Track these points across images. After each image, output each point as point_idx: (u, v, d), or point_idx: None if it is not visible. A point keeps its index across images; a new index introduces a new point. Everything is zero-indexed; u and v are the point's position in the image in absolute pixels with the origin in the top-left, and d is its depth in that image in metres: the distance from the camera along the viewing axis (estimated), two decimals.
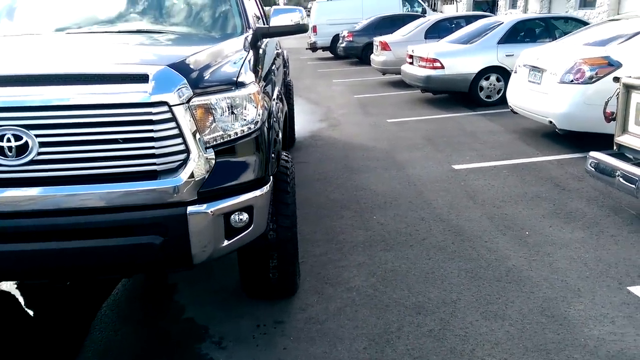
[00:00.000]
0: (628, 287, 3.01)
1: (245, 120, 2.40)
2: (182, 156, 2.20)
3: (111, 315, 3.04)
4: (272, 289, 2.93)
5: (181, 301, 3.12)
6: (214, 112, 2.29)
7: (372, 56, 12.31)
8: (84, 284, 3.33)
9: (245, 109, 2.40)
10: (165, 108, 2.14)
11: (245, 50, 2.87)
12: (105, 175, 2.14)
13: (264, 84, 2.83)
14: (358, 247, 3.72)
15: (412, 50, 9.41)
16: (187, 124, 2.18)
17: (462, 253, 3.55)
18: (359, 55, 16.18)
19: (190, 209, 2.20)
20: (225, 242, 2.34)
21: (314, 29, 18.66)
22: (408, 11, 19.27)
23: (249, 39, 3.16)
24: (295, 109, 7.18)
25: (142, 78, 2.14)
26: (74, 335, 2.86)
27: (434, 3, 36.40)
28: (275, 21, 3.54)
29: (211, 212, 2.24)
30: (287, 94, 6.10)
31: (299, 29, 3.66)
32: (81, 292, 3.29)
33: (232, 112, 2.36)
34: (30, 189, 2.12)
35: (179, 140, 2.18)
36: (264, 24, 4.93)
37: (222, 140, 2.32)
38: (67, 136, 2.09)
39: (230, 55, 2.71)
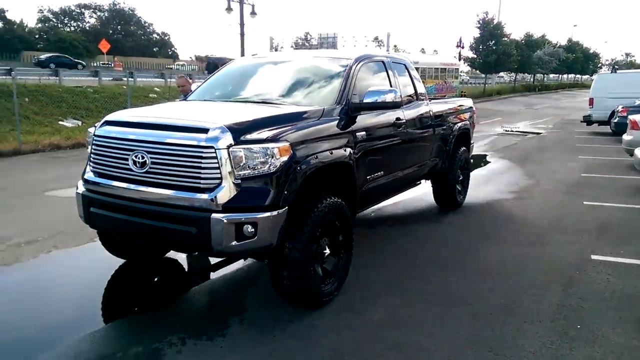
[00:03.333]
0: None
1: (266, 164, 3.51)
2: (218, 181, 3.46)
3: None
4: (285, 293, 3.88)
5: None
6: (245, 156, 3.48)
7: (623, 135, 11.19)
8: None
9: (268, 157, 3.51)
10: (212, 150, 3.45)
11: (305, 118, 4.00)
12: (175, 185, 3.57)
13: (310, 142, 3.85)
14: None
15: None
16: (223, 161, 3.44)
17: None
18: None
19: (213, 215, 3.43)
20: (234, 243, 3.47)
21: (590, 101, 17.44)
22: None
23: (329, 110, 4.25)
24: (501, 177, 7.53)
25: (205, 130, 3.51)
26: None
27: None
28: (370, 99, 4.50)
29: (226, 220, 3.42)
30: (450, 163, 6.70)
31: (390, 105, 4.56)
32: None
33: (258, 159, 3.51)
34: (144, 187, 3.70)
35: (218, 171, 3.46)
36: (417, 97, 5.88)
37: (247, 176, 3.49)
38: (162, 158, 3.59)
39: (285, 121, 3.87)
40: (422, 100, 6.07)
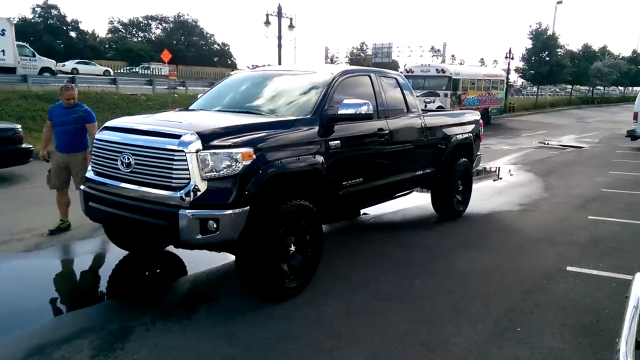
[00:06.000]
0: None
1: (230, 167, 3.96)
2: (187, 181, 3.94)
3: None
4: (249, 286, 4.32)
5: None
6: (211, 160, 3.95)
7: None
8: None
9: (231, 161, 3.96)
10: (183, 154, 3.93)
11: (276, 127, 4.43)
12: (152, 183, 4.08)
13: (275, 148, 4.26)
14: None
15: None
16: (192, 164, 3.92)
17: None
18: None
19: (180, 211, 3.91)
20: (199, 236, 3.93)
21: (635, 116, 16.86)
22: None
23: (302, 120, 4.65)
24: (516, 190, 7.63)
25: (178, 136, 4.00)
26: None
27: None
28: (343, 111, 4.87)
29: (191, 215, 3.90)
30: (447, 173, 6.94)
31: (364, 117, 4.91)
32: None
33: (223, 162, 3.96)
34: (128, 184, 4.23)
35: (187, 172, 3.94)
36: (407, 109, 6.18)
37: (213, 177, 3.95)
38: (143, 159, 4.12)
39: (256, 129, 4.31)
40: (414, 112, 6.35)
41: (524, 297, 4.57)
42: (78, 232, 6.24)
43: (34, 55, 27.11)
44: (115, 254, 5.40)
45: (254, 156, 4.08)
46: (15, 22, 28.72)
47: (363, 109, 4.90)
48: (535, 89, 46.88)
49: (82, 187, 4.75)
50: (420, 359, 3.51)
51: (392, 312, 4.21)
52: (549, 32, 40.16)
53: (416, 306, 4.32)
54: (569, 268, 5.33)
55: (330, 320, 4.04)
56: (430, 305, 4.33)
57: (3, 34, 23.56)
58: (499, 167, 12.74)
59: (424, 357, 3.53)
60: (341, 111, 4.88)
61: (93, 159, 4.63)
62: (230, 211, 3.95)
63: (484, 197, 8.85)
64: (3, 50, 23.61)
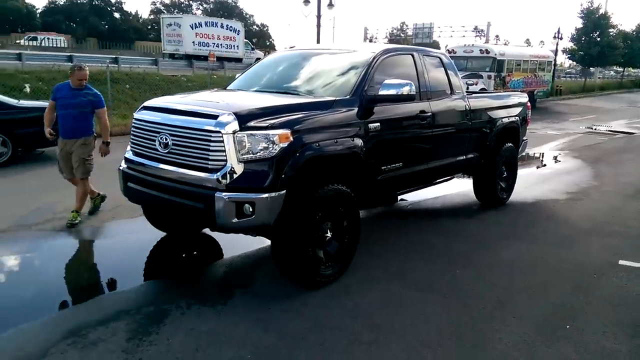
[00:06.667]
0: None
1: (267, 150, 3.84)
2: (223, 163, 3.85)
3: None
4: (284, 271, 4.23)
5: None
6: (248, 142, 3.83)
7: None
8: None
9: (268, 143, 3.84)
10: (219, 135, 3.84)
11: (314, 108, 4.27)
12: (189, 165, 4.01)
13: (310, 128, 4.12)
14: None
15: None
16: (229, 145, 3.82)
17: None
18: None
19: (217, 194, 3.82)
20: (235, 220, 3.85)
21: None
22: None
23: (341, 101, 4.48)
24: (563, 177, 7.37)
25: (215, 117, 3.91)
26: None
27: None
28: (384, 91, 4.66)
29: (227, 198, 3.81)
30: (491, 159, 6.65)
31: (405, 98, 4.70)
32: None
33: (259, 144, 3.84)
34: (166, 165, 4.18)
35: (224, 154, 3.84)
36: (451, 90, 5.92)
37: (249, 159, 3.85)
38: (180, 140, 4.05)
39: (293, 110, 4.17)
40: (458, 93, 6.07)
41: (573, 292, 4.32)
42: (118, 213, 6.29)
43: (253, 49, 39.47)
44: (154, 235, 5.40)
45: (291, 138, 3.94)
46: (62, 3, 30.42)
47: (405, 90, 4.68)
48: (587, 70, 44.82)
49: (120, 167, 4.73)
50: (463, 355, 3.34)
51: (432, 304, 4.04)
52: (601, 11, 38.29)
53: (458, 299, 4.14)
54: (621, 262, 5.02)
55: (367, 311, 3.91)
56: (473, 299, 4.14)
57: (238, 34, 36.24)
58: (542, 153, 12.22)
59: (467, 353, 3.36)
60: (382, 92, 4.67)
61: (132, 138, 4.59)
62: (266, 195, 3.84)
63: (528, 184, 8.48)
64: (237, 46, 36.12)
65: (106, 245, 5.56)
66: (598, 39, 37.99)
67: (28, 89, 14.92)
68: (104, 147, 6.04)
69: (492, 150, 6.66)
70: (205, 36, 33.24)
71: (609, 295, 4.28)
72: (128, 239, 5.68)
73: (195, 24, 33.08)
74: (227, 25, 35.28)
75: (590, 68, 42.67)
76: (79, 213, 5.95)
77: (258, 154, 3.85)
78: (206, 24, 33.68)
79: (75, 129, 5.84)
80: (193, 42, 33.13)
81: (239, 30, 35.74)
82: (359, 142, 4.48)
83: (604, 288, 4.42)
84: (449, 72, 6.04)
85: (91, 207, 6.28)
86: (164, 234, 5.47)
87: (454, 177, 6.52)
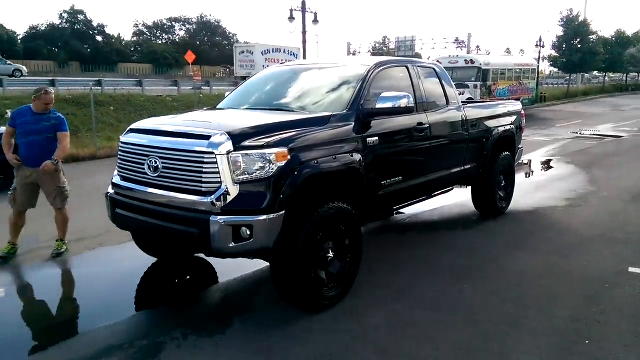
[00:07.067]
0: None
1: (263, 169, 3.66)
2: (218, 185, 3.65)
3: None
4: (286, 295, 4.01)
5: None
6: (243, 162, 3.65)
7: None
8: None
9: (265, 163, 3.66)
10: (213, 156, 3.64)
11: (310, 124, 4.10)
12: (181, 188, 3.81)
13: (311, 148, 3.95)
14: None
15: None
16: (223, 166, 3.63)
17: None
18: None
19: (212, 217, 3.62)
20: (232, 244, 3.64)
21: None
22: None
23: (338, 116, 4.32)
24: (559, 184, 7.46)
25: (207, 137, 3.72)
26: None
27: None
28: (382, 104, 4.51)
29: (223, 222, 3.60)
30: (489, 168, 6.53)
31: (404, 110, 4.55)
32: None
33: (255, 164, 3.66)
34: (156, 190, 3.97)
35: (218, 175, 3.65)
36: (447, 101, 5.80)
37: (245, 180, 3.65)
38: (171, 162, 3.84)
39: (289, 127, 3.99)
40: (453, 104, 5.95)
41: (586, 304, 4.16)
42: (107, 239, 6.04)
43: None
44: (145, 261, 5.16)
45: (289, 157, 3.76)
46: (44, 28, 30.76)
47: (403, 102, 4.54)
48: (567, 77, 45.33)
49: (108, 192, 4.51)
50: None
51: (441, 323, 3.85)
52: (581, 19, 38.87)
53: (468, 316, 3.95)
54: (631, 269, 4.88)
55: (374, 334, 3.71)
56: (484, 316, 3.95)
57: (296, 57, 36.76)
58: (530, 160, 12.16)
59: None
60: (379, 105, 4.52)
61: (119, 163, 4.38)
62: (264, 217, 3.64)
63: (525, 192, 8.36)
64: None
65: (95, 275, 5.27)
66: (579, 46, 38.54)
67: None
68: (49, 162, 5.44)
69: (489, 160, 6.54)
70: (273, 60, 35.50)
71: (623, 305, 4.12)
72: (118, 267, 5.42)
73: (264, 50, 36.77)
74: (288, 50, 38.46)
75: (573, 75, 43.20)
76: (64, 242, 5.70)
77: (254, 174, 3.66)
78: (273, 50, 37.35)
79: (42, 156, 5.45)
80: (263, 65, 34.98)
81: (297, 55, 37.85)
82: (357, 157, 4.32)
83: (617, 298, 4.26)
84: (443, 82, 5.93)
85: (3, 251, 5.52)
86: (155, 259, 5.24)
87: (453, 189, 6.38)
